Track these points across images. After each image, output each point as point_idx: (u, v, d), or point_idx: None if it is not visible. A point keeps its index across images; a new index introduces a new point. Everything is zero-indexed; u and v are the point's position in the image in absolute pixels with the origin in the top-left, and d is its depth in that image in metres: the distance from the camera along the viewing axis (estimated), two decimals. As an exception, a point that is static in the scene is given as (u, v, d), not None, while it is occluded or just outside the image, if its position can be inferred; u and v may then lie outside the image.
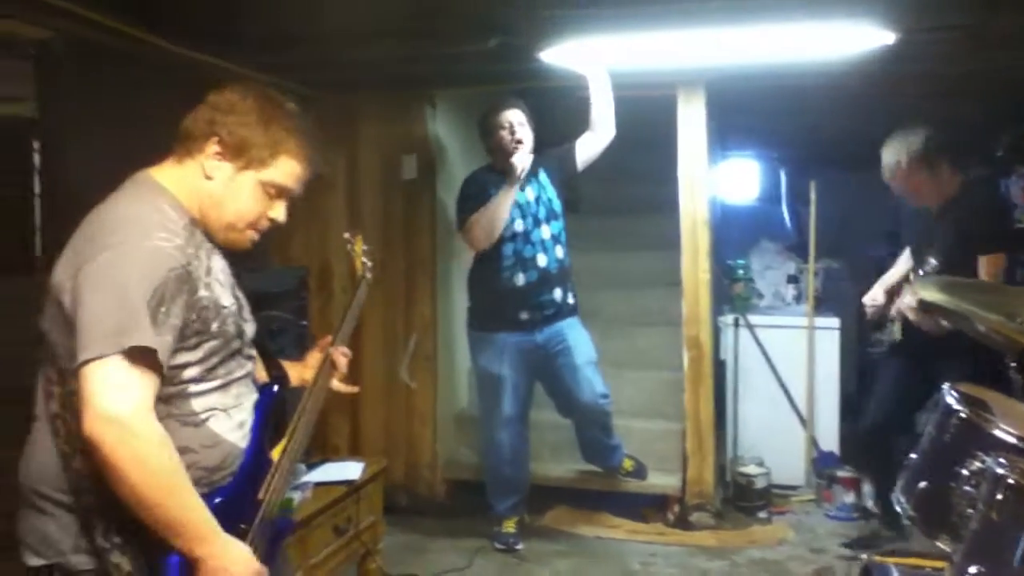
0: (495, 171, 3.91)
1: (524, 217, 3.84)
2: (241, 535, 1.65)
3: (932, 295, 2.50)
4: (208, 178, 1.66)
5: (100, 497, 1.51)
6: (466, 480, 4.51)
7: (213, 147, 1.66)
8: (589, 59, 3.70)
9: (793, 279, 5.01)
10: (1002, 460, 1.87)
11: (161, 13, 3.05)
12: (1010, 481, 1.80)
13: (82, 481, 1.54)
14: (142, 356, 1.48)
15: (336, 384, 2.07)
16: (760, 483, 4.40)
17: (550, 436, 4.40)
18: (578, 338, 3.97)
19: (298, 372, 2.03)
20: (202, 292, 1.60)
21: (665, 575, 3.74)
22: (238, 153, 1.66)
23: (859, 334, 6.11)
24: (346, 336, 2.10)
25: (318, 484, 3.02)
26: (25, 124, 3.54)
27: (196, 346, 1.61)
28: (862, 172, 6.90)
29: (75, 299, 1.50)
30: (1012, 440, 2.00)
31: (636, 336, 4.92)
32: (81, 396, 1.46)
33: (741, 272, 4.87)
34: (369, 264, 2.32)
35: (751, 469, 4.43)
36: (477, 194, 3.85)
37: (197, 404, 1.64)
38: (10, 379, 2.36)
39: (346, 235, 2.35)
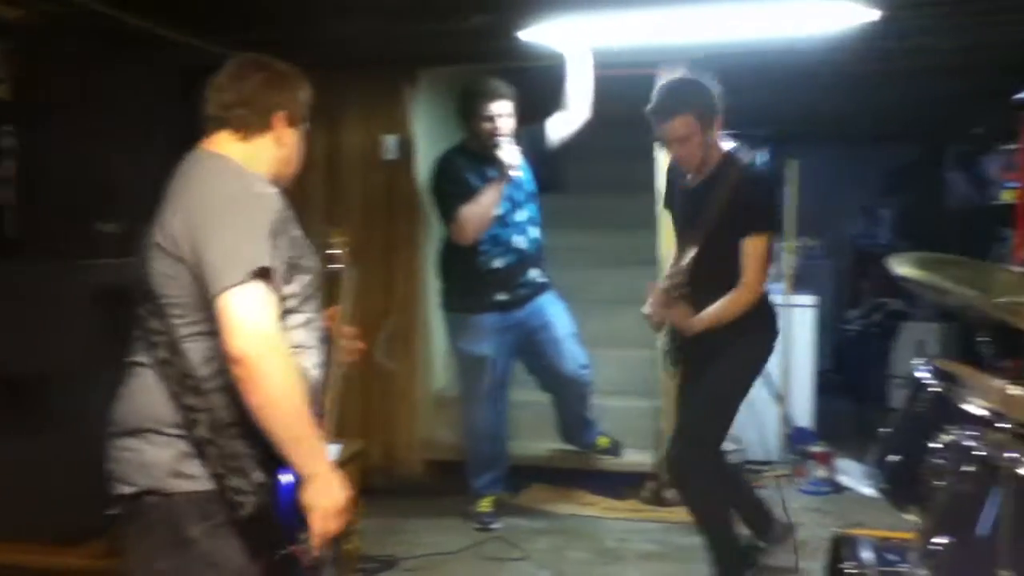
0: (470, 151, 3.89)
1: (502, 200, 3.81)
2: None
3: (908, 270, 2.53)
4: (283, 146, 1.91)
5: (212, 427, 1.69)
6: (444, 460, 4.51)
7: (282, 122, 1.90)
8: (569, 38, 3.70)
9: (770, 258, 5.03)
10: (970, 433, 1.92)
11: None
12: (977, 453, 1.85)
13: (195, 415, 1.70)
14: (269, 279, 1.67)
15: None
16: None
17: (527, 415, 4.41)
18: (557, 312, 4.03)
19: None
20: (295, 232, 1.82)
21: (641, 551, 3.78)
22: (298, 116, 1.94)
23: (835, 312, 6.21)
24: (345, 315, 2.26)
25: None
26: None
27: (292, 279, 1.79)
28: (841, 150, 7.02)
29: (200, 244, 1.67)
30: (981, 413, 2.05)
31: (614, 315, 4.92)
32: (224, 320, 1.62)
33: (717, 251, 4.90)
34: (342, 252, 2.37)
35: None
36: (459, 183, 3.81)
37: (290, 338, 1.78)
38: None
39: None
